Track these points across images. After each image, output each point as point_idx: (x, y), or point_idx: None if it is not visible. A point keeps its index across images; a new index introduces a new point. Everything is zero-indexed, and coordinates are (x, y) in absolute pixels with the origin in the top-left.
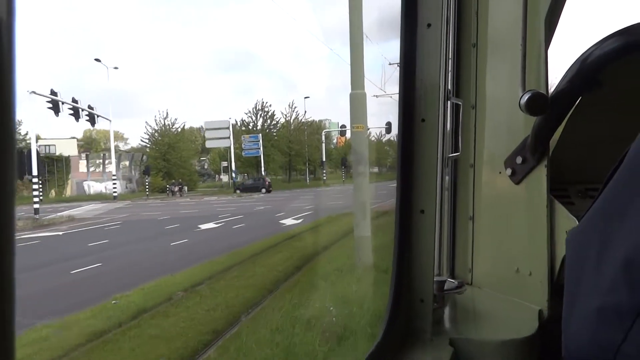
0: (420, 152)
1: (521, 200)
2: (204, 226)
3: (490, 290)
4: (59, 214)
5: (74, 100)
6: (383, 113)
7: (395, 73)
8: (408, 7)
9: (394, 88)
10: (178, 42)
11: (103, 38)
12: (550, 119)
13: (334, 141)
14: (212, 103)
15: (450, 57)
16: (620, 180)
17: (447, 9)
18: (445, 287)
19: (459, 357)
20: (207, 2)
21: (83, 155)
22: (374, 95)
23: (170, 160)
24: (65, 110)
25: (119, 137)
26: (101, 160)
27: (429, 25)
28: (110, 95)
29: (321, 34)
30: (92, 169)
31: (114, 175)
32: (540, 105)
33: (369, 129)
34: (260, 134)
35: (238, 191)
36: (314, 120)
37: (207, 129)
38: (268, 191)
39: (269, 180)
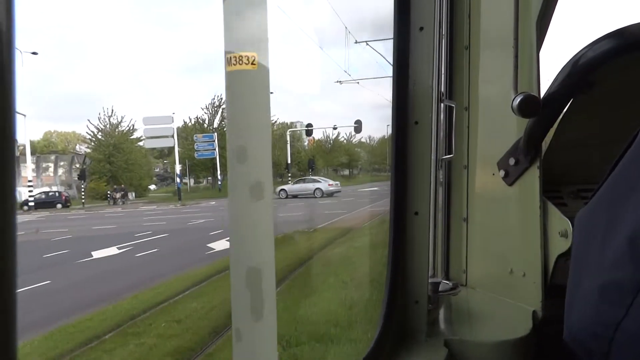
0: (414, 154)
1: (514, 202)
2: (99, 253)
3: (485, 291)
4: None
5: None
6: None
7: (363, 54)
8: (400, 11)
9: (360, 72)
10: (146, 44)
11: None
12: (543, 120)
13: (305, 143)
14: (181, 105)
15: (443, 59)
16: (629, 159)
17: (440, 12)
18: (440, 289)
19: (454, 358)
20: (181, 4)
21: (32, 159)
22: (338, 81)
23: (115, 163)
24: None
25: (81, 139)
26: (40, 165)
27: (421, 28)
28: (72, 96)
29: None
30: (33, 174)
31: (29, 180)
32: (533, 107)
33: (336, 127)
34: (216, 133)
35: (25, 207)
36: (279, 120)
37: (145, 127)
38: (65, 206)
39: (67, 195)
